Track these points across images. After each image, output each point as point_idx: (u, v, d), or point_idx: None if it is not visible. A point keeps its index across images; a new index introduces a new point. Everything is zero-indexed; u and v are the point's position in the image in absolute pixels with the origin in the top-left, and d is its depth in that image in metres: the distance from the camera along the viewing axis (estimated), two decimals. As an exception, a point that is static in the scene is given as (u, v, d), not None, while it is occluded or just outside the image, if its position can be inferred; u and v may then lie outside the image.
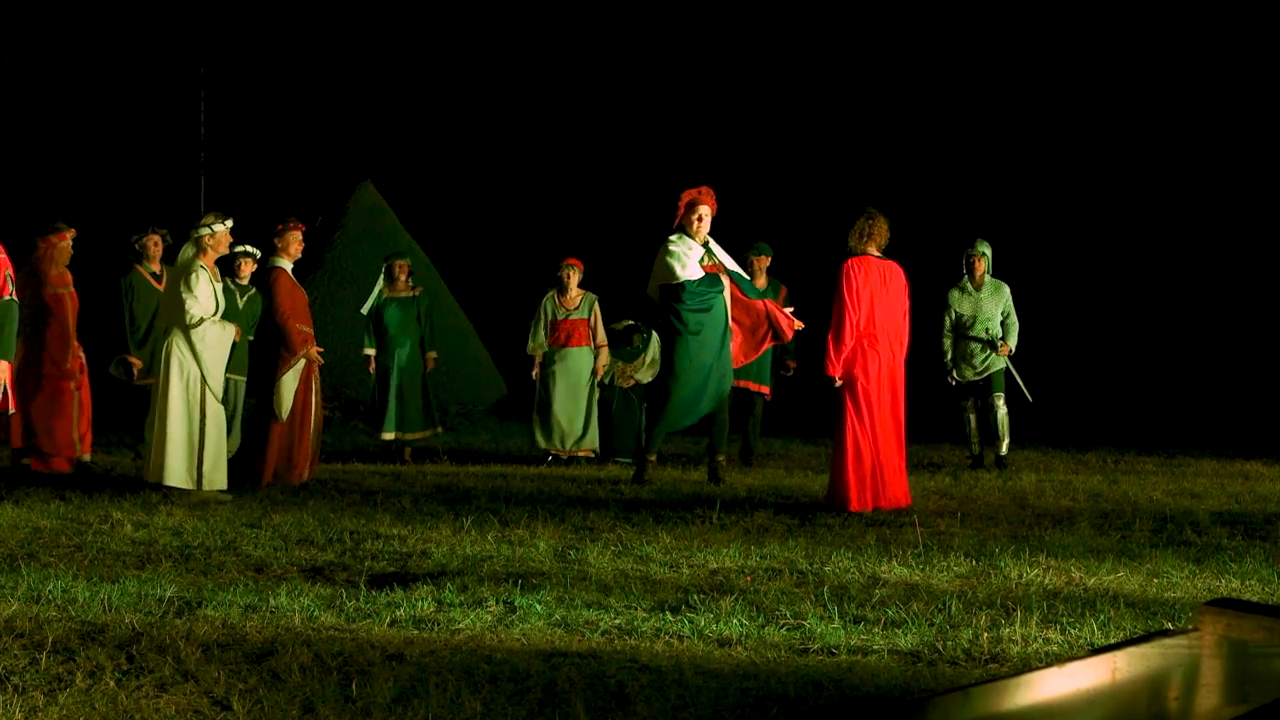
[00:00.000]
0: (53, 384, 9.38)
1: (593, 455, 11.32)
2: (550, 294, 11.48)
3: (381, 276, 11.50)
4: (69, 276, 9.62)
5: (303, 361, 9.24)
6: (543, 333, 11.41)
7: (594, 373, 11.35)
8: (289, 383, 9.21)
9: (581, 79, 25.37)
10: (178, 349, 8.25)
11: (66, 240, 9.54)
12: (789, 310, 9.45)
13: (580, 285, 11.47)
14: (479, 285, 11.75)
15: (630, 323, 11.58)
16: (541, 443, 11.28)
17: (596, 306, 11.43)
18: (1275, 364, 18.24)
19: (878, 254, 8.05)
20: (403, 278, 11.40)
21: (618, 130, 24.91)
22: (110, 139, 21.78)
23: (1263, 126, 19.98)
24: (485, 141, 25.56)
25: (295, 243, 9.45)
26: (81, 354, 9.65)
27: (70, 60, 21.35)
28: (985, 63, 22.07)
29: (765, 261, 11.05)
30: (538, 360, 11.41)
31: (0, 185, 19.94)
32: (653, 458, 9.55)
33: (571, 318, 11.33)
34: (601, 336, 11.44)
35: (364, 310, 11.47)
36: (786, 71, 23.98)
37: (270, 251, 9.52)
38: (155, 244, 10.67)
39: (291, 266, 9.49)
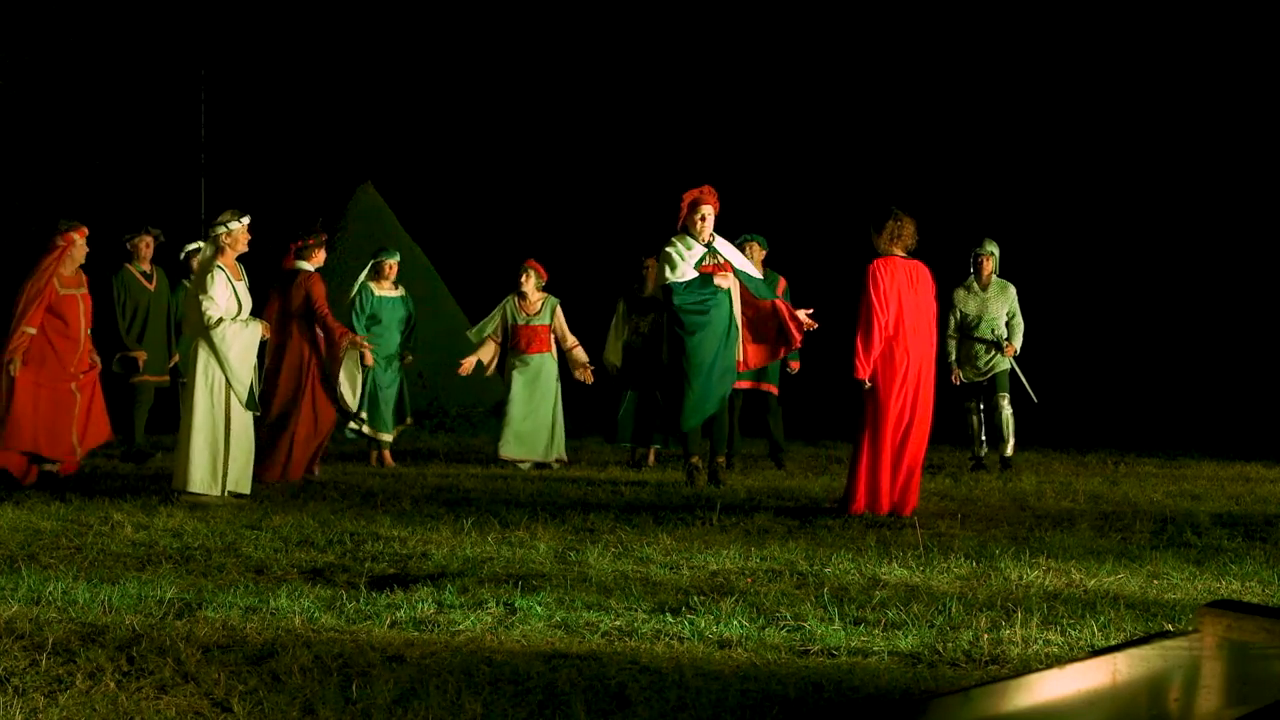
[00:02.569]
0: (56, 387, 9.13)
1: (562, 462, 11.00)
2: (510, 298, 11.14)
3: (366, 272, 11.12)
4: (83, 277, 9.38)
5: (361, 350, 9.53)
6: (489, 328, 11.07)
7: (558, 379, 11.05)
8: (350, 380, 9.49)
9: (582, 79, 25.36)
10: (203, 354, 8.14)
11: (80, 240, 9.28)
12: (807, 311, 9.34)
13: (543, 288, 11.14)
14: (479, 287, 11.73)
15: None
16: (510, 453, 10.92)
17: (559, 310, 11.13)
18: (1275, 365, 18.24)
19: (903, 255, 7.95)
20: (391, 277, 11.10)
21: (619, 130, 24.90)
22: (111, 140, 21.79)
23: (1261, 127, 19.98)
24: (485, 143, 25.56)
25: (316, 249, 9.67)
26: (95, 356, 9.50)
27: (71, 62, 21.36)
28: (995, 62, 22.05)
29: (758, 252, 10.71)
30: (477, 359, 11.03)
31: (0, 186, 19.94)
32: (696, 460, 9.47)
33: (532, 323, 11.01)
34: (571, 339, 11.13)
35: (351, 300, 11.00)
36: (796, 68, 23.94)
37: (272, 255, 9.56)
38: (147, 245, 10.68)
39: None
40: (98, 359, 9.49)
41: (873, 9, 23.44)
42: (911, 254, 8.01)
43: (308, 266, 9.57)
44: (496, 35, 25.92)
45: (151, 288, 10.77)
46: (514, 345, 11.05)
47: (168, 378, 10.99)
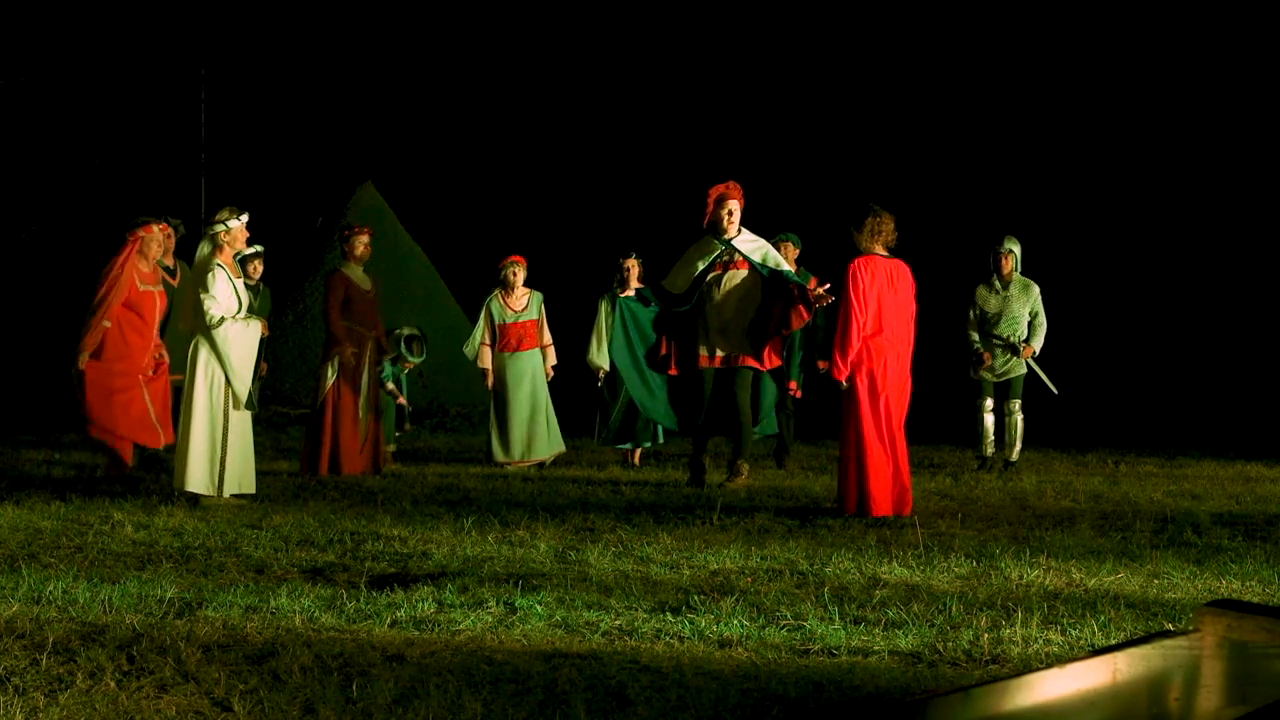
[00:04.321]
0: (125, 380, 9.11)
1: (555, 460, 10.96)
2: (494, 294, 11.06)
3: None
4: (160, 274, 9.38)
5: (341, 356, 9.89)
6: (482, 336, 10.99)
7: (546, 374, 11.00)
8: (326, 374, 9.93)
9: (582, 77, 25.35)
10: (203, 352, 8.10)
11: (154, 233, 9.27)
12: (824, 288, 9.30)
13: (526, 283, 11.08)
14: (478, 286, 11.75)
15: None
16: (500, 455, 10.85)
17: (543, 305, 11.10)
18: (1275, 364, 18.24)
19: (885, 253, 7.88)
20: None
21: (618, 129, 24.89)
22: (111, 140, 21.78)
23: (1262, 127, 19.98)
24: (486, 142, 25.56)
25: (360, 245, 10.24)
26: (163, 351, 9.40)
27: (71, 61, 21.36)
28: (1020, 62, 22.03)
29: (791, 251, 10.68)
30: (489, 370, 10.95)
31: (1, 186, 19.94)
32: (707, 459, 9.51)
33: (520, 320, 10.94)
34: (547, 336, 11.07)
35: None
36: (821, 65, 23.86)
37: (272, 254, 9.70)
38: (168, 236, 10.64)
39: (359, 268, 10.23)
40: (165, 354, 9.46)
41: (894, 7, 23.40)
42: (893, 251, 7.95)
43: (344, 264, 10.21)
44: (496, 35, 25.91)
45: (175, 283, 10.74)
46: (504, 344, 10.95)
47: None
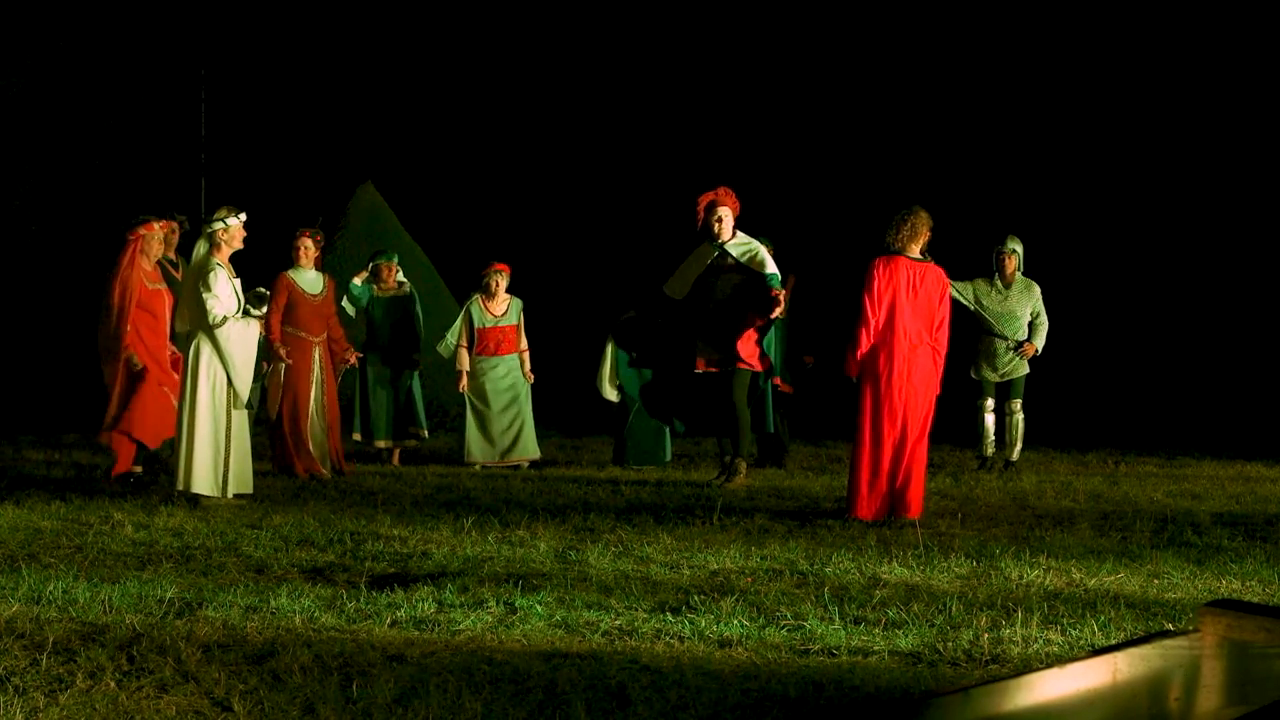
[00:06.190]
0: (154, 387, 9.02)
1: (533, 463, 11.00)
2: (475, 299, 11.18)
3: (367, 274, 11.19)
4: (161, 270, 9.26)
5: (282, 363, 9.83)
6: (455, 337, 11.07)
7: (524, 379, 11.09)
8: (272, 382, 9.88)
9: (583, 77, 25.35)
10: (205, 352, 8.09)
11: (155, 231, 9.12)
12: (785, 291, 9.34)
13: (507, 290, 11.18)
14: (479, 287, 11.77)
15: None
16: (479, 455, 10.91)
17: (523, 312, 11.19)
18: (1275, 365, 18.24)
19: (917, 255, 7.72)
20: (390, 279, 11.16)
21: (619, 129, 24.89)
22: (110, 140, 21.77)
23: (1262, 128, 19.98)
24: (485, 142, 25.55)
25: (299, 249, 10.13)
26: (176, 350, 9.23)
27: (71, 61, 21.35)
28: (1021, 62, 22.03)
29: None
30: (464, 371, 11.03)
31: (1, 186, 19.94)
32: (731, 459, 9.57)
33: (500, 324, 11.05)
34: (524, 343, 11.16)
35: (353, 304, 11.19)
36: (820, 65, 23.84)
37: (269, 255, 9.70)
38: (173, 232, 10.61)
39: (310, 272, 10.15)
40: (178, 351, 9.41)
41: (894, 7, 23.38)
42: (926, 254, 7.79)
43: (292, 268, 10.11)
44: (496, 35, 25.91)
45: (179, 275, 10.70)
46: (482, 347, 11.05)
47: None
